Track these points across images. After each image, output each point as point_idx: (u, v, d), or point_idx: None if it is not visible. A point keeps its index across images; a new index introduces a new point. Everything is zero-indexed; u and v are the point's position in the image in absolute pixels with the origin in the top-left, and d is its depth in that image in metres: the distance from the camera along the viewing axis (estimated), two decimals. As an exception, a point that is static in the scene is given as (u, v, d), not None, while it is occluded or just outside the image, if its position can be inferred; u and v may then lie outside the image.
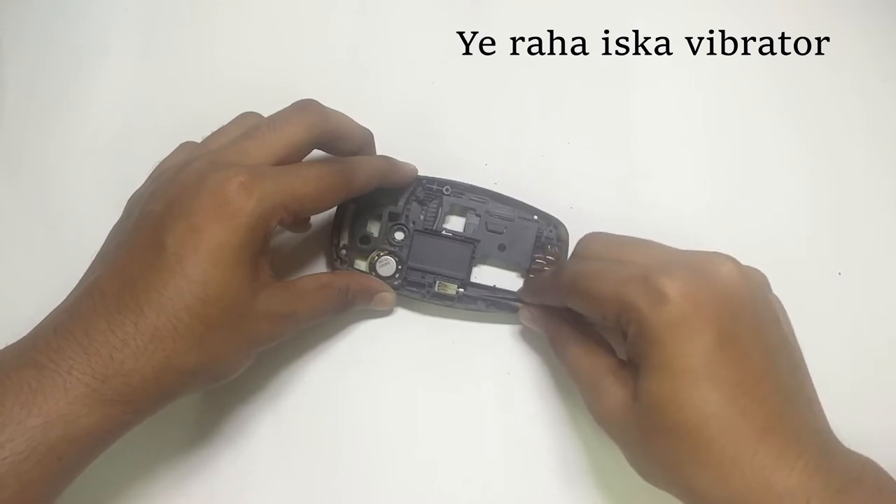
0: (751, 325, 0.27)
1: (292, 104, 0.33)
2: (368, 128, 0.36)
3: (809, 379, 0.29)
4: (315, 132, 0.32)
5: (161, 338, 0.27)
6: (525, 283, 0.38)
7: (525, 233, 0.38)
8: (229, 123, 0.34)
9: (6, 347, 0.28)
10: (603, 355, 0.32)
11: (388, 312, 0.38)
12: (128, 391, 0.27)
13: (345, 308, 0.36)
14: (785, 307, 0.31)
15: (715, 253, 0.29)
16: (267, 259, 0.31)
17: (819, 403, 0.29)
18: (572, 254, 0.35)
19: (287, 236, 0.39)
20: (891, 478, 0.26)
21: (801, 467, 0.25)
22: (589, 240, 0.34)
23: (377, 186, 0.35)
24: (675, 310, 0.26)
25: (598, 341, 0.33)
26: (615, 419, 0.29)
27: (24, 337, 0.29)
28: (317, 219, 0.39)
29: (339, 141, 0.34)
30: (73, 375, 0.26)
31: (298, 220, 0.37)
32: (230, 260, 0.29)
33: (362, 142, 0.36)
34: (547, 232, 0.38)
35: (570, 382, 0.37)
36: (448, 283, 0.38)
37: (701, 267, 0.28)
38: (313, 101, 0.33)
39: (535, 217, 0.38)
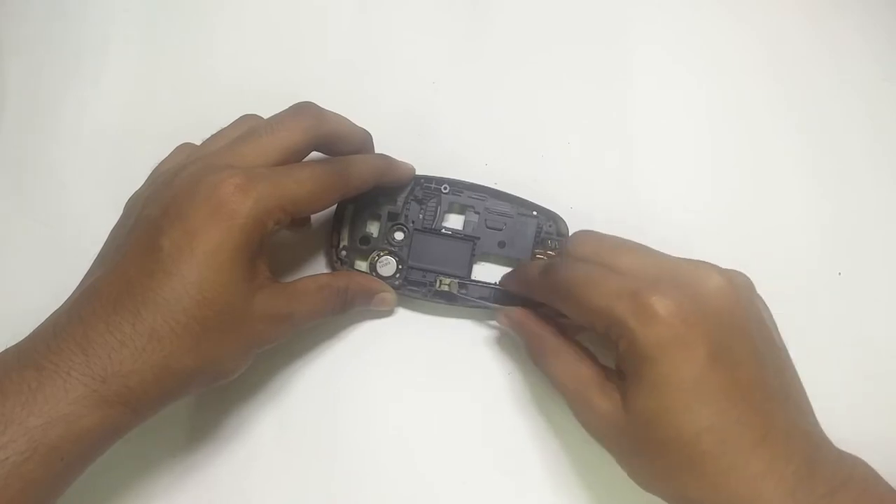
0: (740, 335, 0.28)
1: (290, 107, 0.33)
2: (368, 128, 0.36)
3: (797, 377, 0.30)
4: (312, 135, 0.33)
5: (159, 339, 0.28)
6: (512, 271, 0.37)
7: (525, 229, 0.38)
8: (228, 126, 0.34)
9: (7, 349, 0.28)
10: (586, 366, 0.31)
11: (389, 312, 0.38)
12: (127, 392, 0.27)
13: (344, 309, 0.36)
14: (785, 307, 0.31)
15: (701, 263, 0.29)
16: (264, 260, 0.31)
17: (807, 400, 0.29)
18: (565, 252, 0.34)
19: (286, 237, 0.39)
20: (880, 478, 0.27)
21: (790, 474, 0.26)
22: (580, 239, 0.33)
23: (375, 185, 0.35)
24: (666, 330, 0.27)
25: (580, 350, 0.32)
26: (605, 430, 0.30)
27: (25, 339, 0.29)
28: (316, 219, 0.39)
29: (337, 143, 0.34)
30: (72, 376, 0.26)
31: (297, 221, 0.37)
32: (226, 262, 0.29)
33: (360, 143, 0.36)
34: (547, 227, 0.38)
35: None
36: (447, 279, 0.37)
37: (689, 281, 0.28)
38: (311, 103, 0.33)
39: (535, 213, 0.38)
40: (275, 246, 0.39)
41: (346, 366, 0.38)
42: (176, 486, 0.36)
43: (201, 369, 0.29)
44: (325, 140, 0.33)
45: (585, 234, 0.33)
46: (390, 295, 0.37)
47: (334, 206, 0.38)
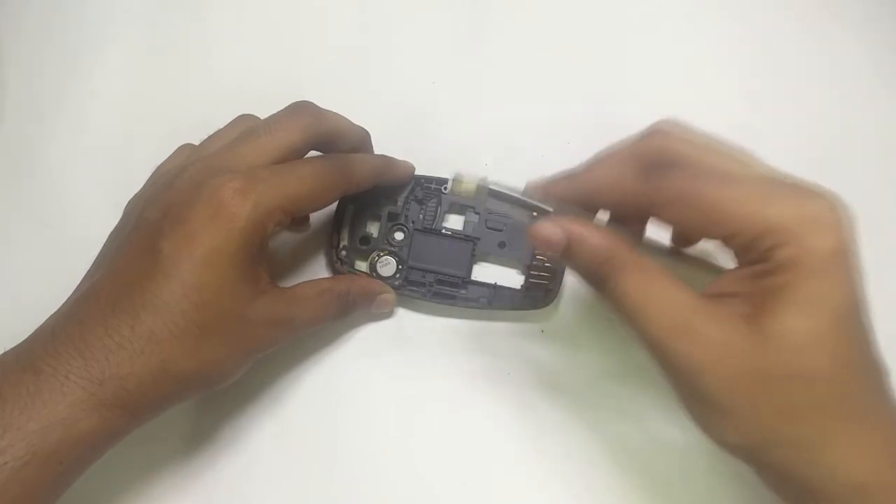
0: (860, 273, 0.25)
1: (288, 106, 0.33)
2: (368, 128, 0.36)
3: None
4: (310, 134, 0.32)
5: (157, 341, 0.28)
6: (561, 178, 0.30)
7: (524, 229, 0.38)
8: (226, 126, 0.34)
9: (6, 352, 0.28)
10: (683, 289, 0.26)
11: (389, 314, 0.38)
12: (125, 395, 0.27)
13: (345, 313, 0.36)
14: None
15: (816, 185, 0.26)
16: (265, 264, 0.31)
17: None
18: (649, 141, 0.28)
19: (287, 237, 0.39)
20: None
21: (892, 423, 0.24)
22: (674, 138, 0.28)
23: (374, 184, 0.35)
24: (837, 243, 0.24)
25: (669, 271, 0.26)
26: (717, 365, 0.24)
27: (23, 341, 0.29)
28: (316, 220, 0.39)
29: (336, 142, 0.34)
30: (70, 379, 0.26)
31: (296, 220, 0.37)
32: (226, 265, 0.29)
33: (359, 142, 0.36)
34: None
35: (577, 371, 0.37)
36: (470, 178, 0.32)
37: (836, 200, 0.25)
38: (309, 103, 0.33)
39: (535, 213, 0.38)
40: (275, 247, 0.39)
41: (347, 368, 0.38)
42: (176, 490, 0.36)
43: (200, 373, 0.29)
44: (324, 139, 0.33)
45: (675, 134, 0.28)
46: (391, 296, 0.37)
47: (334, 207, 0.38)
